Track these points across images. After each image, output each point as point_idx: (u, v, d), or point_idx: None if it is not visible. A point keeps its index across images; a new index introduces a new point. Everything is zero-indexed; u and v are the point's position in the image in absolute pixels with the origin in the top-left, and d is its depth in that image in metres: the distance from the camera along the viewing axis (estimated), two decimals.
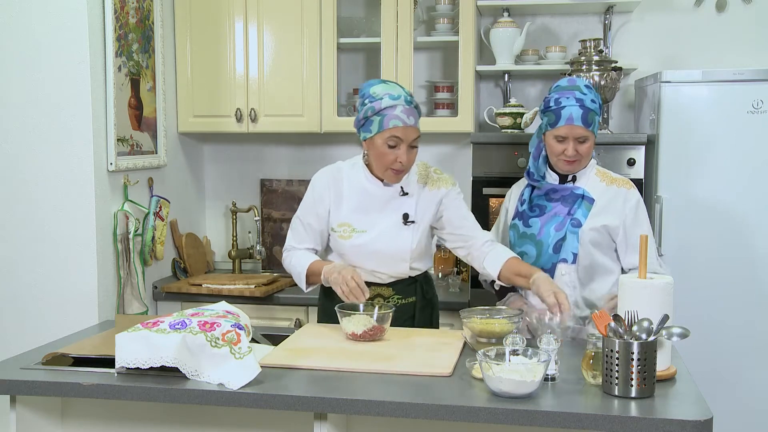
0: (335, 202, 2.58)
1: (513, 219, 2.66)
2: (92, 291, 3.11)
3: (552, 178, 2.61)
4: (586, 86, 2.52)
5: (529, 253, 2.57)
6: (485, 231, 2.66)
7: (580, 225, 2.52)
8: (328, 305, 2.63)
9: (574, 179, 2.59)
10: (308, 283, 2.62)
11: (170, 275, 3.73)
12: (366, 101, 2.47)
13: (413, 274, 2.64)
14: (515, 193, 2.74)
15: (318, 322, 2.78)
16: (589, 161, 2.59)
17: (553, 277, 2.51)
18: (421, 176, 2.62)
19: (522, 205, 2.64)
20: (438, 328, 2.79)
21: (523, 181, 2.72)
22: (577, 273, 2.53)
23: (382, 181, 2.56)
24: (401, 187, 2.56)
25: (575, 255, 2.51)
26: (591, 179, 2.60)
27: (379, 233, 2.55)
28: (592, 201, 2.55)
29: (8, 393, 2.10)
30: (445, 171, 3.68)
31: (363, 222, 2.56)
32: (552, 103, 2.51)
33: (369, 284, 2.51)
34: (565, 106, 2.47)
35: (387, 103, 2.42)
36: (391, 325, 2.42)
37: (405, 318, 2.61)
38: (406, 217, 2.56)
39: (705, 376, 2.98)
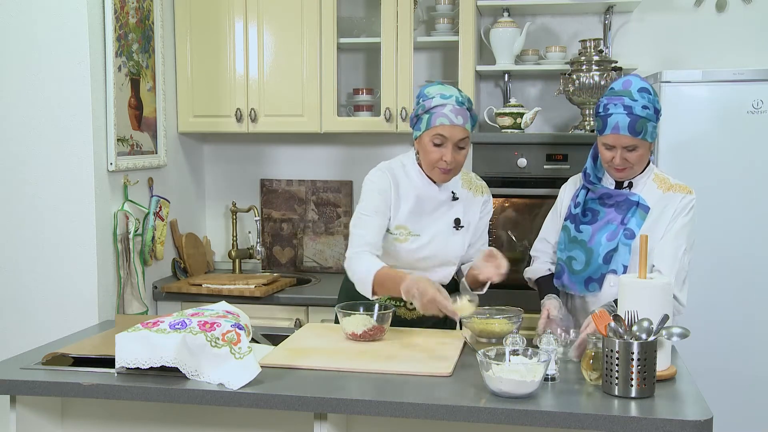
0: (395, 202, 2.52)
1: (565, 220, 2.56)
2: (92, 291, 3.11)
3: (608, 182, 2.49)
4: (641, 90, 2.35)
5: (578, 259, 2.49)
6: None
7: (633, 236, 2.41)
8: (351, 293, 2.54)
9: (630, 185, 2.47)
10: (374, 293, 2.39)
11: (170, 275, 3.73)
12: (420, 101, 2.47)
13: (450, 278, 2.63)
14: (569, 189, 2.64)
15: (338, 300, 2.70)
16: (643, 167, 2.45)
17: (600, 288, 2.46)
18: (464, 181, 2.62)
19: (575, 207, 2.53)
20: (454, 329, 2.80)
21: (578, 178, 2.61)
22: None
23: (435, 183, 2.53)
24: (453, 192, 2.55)
25: (626, 267, 2.42)
26: (648, 185, 2.47)
27: (431, 238, 2.53)
28: (647, 209, 2.43)
29: (8, 393, 2.10)
30: None
31: (418, 226, 2.53)
32: (601, 109, 2.40)
33: None
34: (611, 114, 2.34)
35: (437, 102, 2.41)
36: (421, 326, 2.40)
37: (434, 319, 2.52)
38: (457, 222, 2.56)
39: (705, 376, 2.98)
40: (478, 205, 2.62)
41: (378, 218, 2.47)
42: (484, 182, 2.69)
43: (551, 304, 2.45)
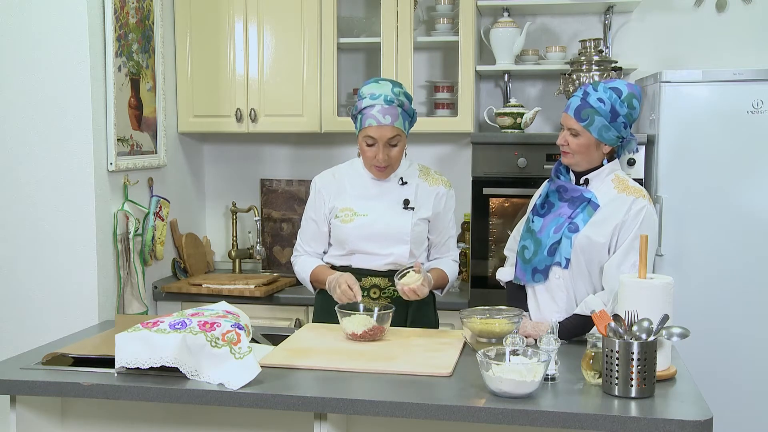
0: (336, 196, 2.68)
1: (530, 212, 2.60)
2: (92, 291, 3.11)
3: (571, 177, 2.51)
4: (614, 89, 2.38)
5: (529, 248, 2.52)
6: (457, 249, 2.85)
7: (576, 230, 2.43)
8: (325, 303, 2.67)
9: (587, 182, 2.48)
10: (314, 288, 2.78)
11: (170, 275, 3.73)
12: (356, 99, 2.62)
13: (412, 261, 2.66)
14: (541, 189, 2.66)
15: (314, 320, 2.80)
16: (587, 162, 2.46)
17: (545, 279, 2.48)
18: (422, 172, 2.73)
19: (539, 199, 2.57)
20: (438, 321, 2.82)
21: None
22: (571, 278, 2.46)
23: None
24: (401, 178, 2.67)
25: (568, 260, 2.43)
26: (605, 184, 2.47)
27: (379, 215, 2.63)
28: (596, 207, 2.43)
29: (8, 393, 2.10)
30: (445, 171, 3.68)
31: (364, 207, 2.65)
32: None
33: (366, 273, 2.65)
34: (573, 96, 2.44)
35: (366, 103, 2.54)
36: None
37: (399, 309, 2.57)
38: (406, 202, 2.65)
39: (705, 376, 2.98)
40: (432, 194, 2.70)
41: (312, 224, 2.73)
42: (446, 179, 2.77)
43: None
